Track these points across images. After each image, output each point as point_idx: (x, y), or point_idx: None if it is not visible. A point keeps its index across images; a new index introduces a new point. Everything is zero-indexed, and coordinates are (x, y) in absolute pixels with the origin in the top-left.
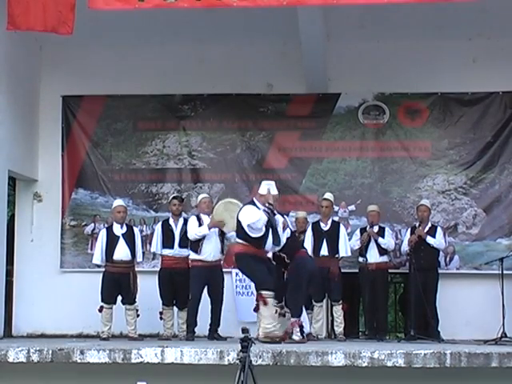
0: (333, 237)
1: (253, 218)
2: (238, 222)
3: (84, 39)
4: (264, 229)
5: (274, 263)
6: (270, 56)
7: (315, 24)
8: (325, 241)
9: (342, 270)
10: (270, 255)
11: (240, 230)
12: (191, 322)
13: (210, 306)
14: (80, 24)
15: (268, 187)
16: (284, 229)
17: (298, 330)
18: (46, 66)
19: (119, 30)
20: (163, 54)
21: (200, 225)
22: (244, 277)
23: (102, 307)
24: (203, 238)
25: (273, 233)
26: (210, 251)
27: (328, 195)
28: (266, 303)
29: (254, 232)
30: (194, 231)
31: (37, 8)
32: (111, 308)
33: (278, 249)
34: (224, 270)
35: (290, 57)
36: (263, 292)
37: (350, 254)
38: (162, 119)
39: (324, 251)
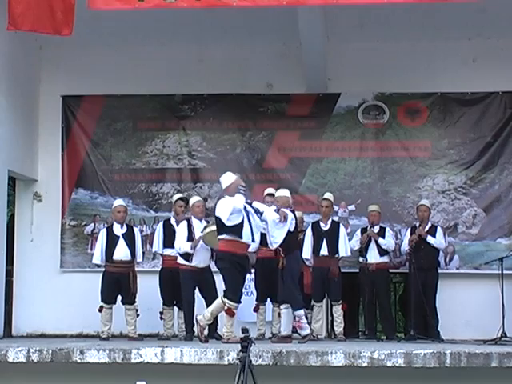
0: (332, 237)
1: (229, 206)
2: (217, 218)
3: (84, 39)
4: (241, 216)
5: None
6: (270, 56)
7: (315, 24)
8: (324, 241)
9: (342, 270)
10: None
11: (219, 225)
12: (189, 322)
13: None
14: (80, 24)
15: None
16: (284, 220)
17: (305, 322)
18: (46, 66)
19: (119, 29)
20: (163, 53)
21: (190, 233)
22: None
23: (101, 307)
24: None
25: (250, 225)
26: (200, 260)
27: (328, 195)
28: (232, 314)
29: (231, 219)
30: (178, 245)
31: (38, 9)
32: (111, 308)
33: (275, 246)
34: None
35: (290, 57)
36: (229, 302)
37: (349, 253)
38: (162, 119)
39: (324, 251)
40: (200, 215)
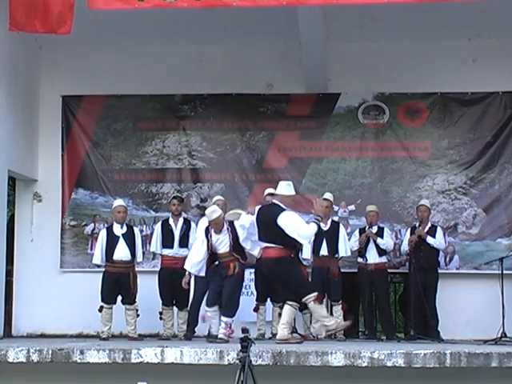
0: (332, 237)
1: (306, 228)
2: (279, 227)
3: (84, 39)
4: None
5: None
6: (270, 56)
7: (315, 24)
8: (324, 241)
9: (342, 270)
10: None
11: (280, 235)
12: (192, 321)
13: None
14: (80, 24)
15: (290, 187)
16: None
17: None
18: (45, 66)
19: (119, 29)
20: (163, 54)
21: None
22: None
23: (101, 307)
24: None
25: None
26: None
27: (328, 195)
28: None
29: (302, 238)
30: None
31: (38, 10)
32: (111, 308)
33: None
34: None
35: (290, 57)
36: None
37: (349, 254)
38: (162, 119)
39: (324, 251)
40: None
